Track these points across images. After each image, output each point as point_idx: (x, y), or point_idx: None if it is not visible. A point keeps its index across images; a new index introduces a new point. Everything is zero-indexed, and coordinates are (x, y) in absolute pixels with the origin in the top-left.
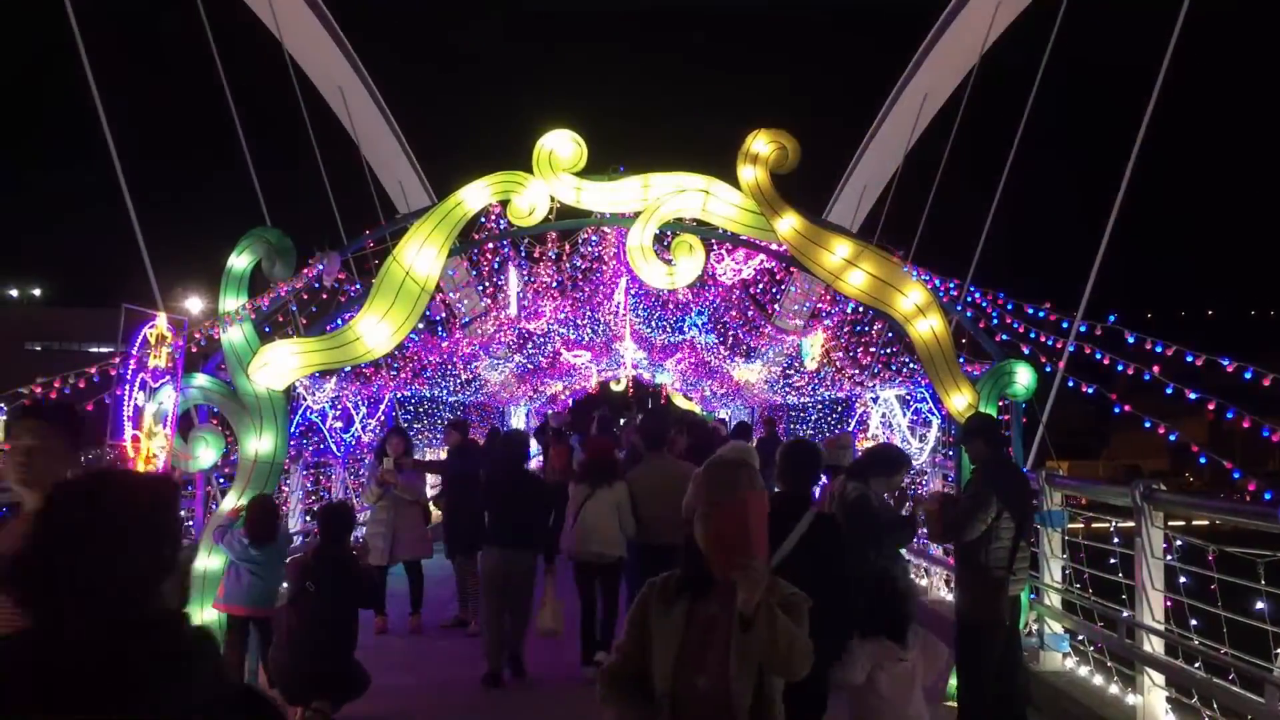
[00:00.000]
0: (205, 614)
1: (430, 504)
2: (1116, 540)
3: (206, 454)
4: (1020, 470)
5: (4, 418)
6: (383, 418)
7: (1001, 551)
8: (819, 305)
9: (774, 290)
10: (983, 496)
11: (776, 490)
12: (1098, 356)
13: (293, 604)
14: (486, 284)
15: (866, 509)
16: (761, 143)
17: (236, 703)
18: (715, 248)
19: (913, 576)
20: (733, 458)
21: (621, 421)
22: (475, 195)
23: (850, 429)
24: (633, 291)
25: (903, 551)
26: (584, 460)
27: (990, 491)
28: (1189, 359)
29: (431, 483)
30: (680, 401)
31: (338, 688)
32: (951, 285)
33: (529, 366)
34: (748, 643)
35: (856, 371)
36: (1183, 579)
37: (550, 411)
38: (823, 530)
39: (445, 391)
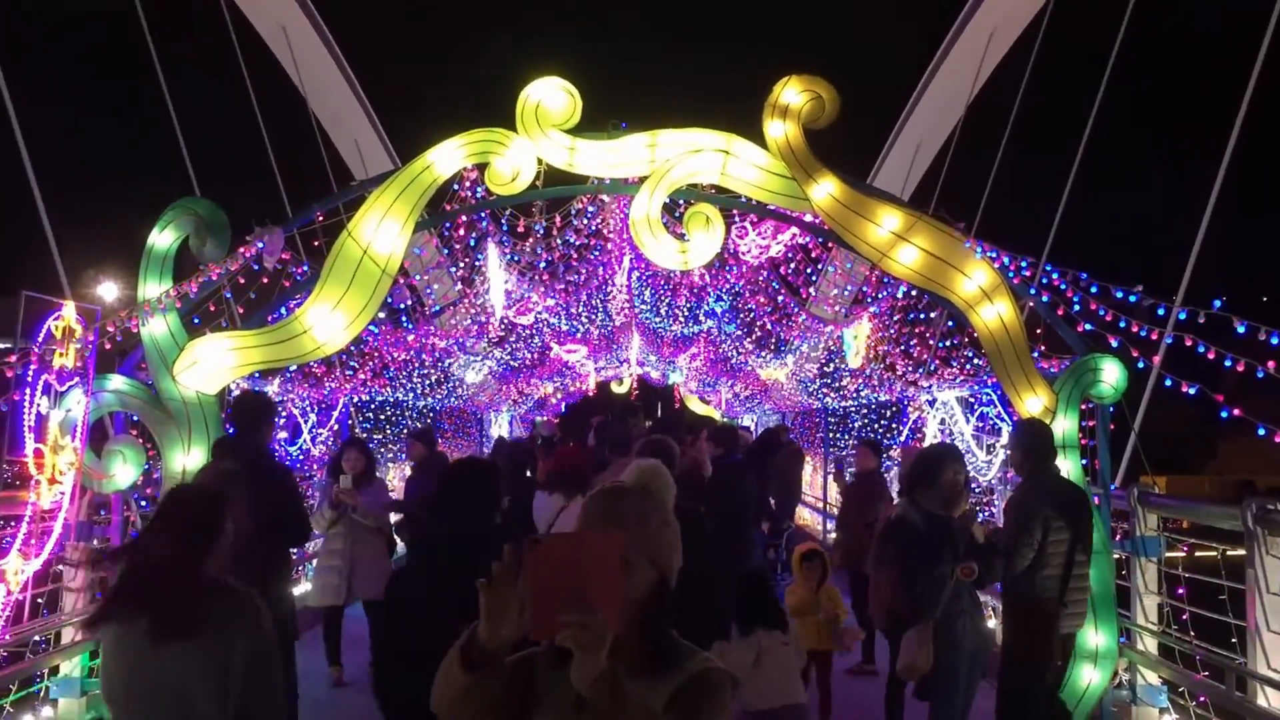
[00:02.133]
0: None
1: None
2: (1225, 573)
3: (124, 472)
4: (1070, 484)
5: None
6: (337, 427)
7: (1051, 579)
8: (863, 289)
9: (808, 271)
10: (1024, 520)
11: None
12: (1201, 350)
13: None
14: (460, 265)
15: (900, 532)
16: (793, 92)
17: None
18: (737, 220)
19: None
20: (631, 483)
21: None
22: (447, 158)
23: (902, 438)
24: (638, 273)
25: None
26: (551, 469)
27: (1033, 512)
28: None
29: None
30: (696, 406)
31: None
32: (1024, 264)
33: (512, 364)
34: None
35: (909, 369)
36: None
37: (539, 419)
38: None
39: (412, 395)
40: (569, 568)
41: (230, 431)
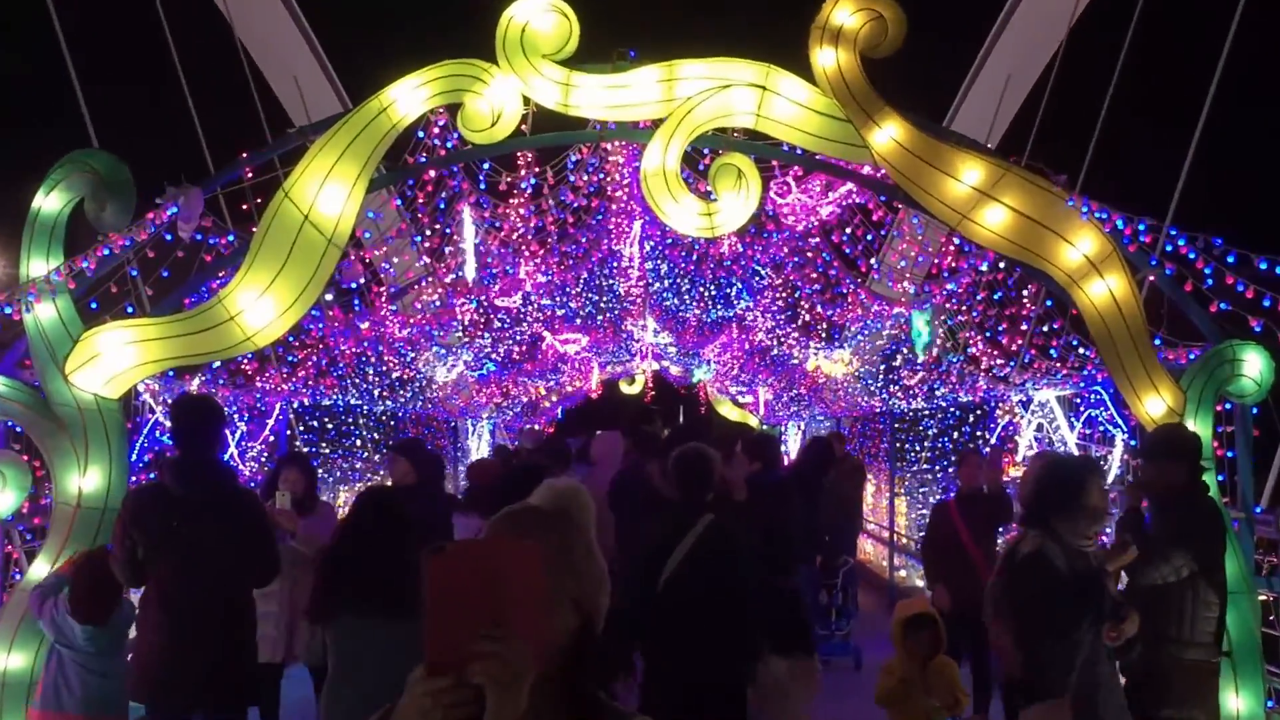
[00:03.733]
0: None
1: None
2: None
3: (3, 496)
4: (1223, 514)
5: None
6: (272, 439)
7: (1209, 624)
8: (937, 260)
9: (868, 238)
10: (1182, 536)
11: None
12: None
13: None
14: (427, 233)
15: (1036, 574)
16: (846, 12)
17: None
18: (777, 174)
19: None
20: (545, 506)
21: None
22: (410, 97)
23: (987, 445)
24: (651, 243)
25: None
26: (469, 488)
27: (1194, 535)
28: None
29: None
30: (727, 410)
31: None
32: (1142, 227)
33: (494, 358)
34: None
35: (997, 362)
36: None
37: (524, 427)
38: (713, 540)
39: (366, 398)
40: (479, 584)
41: (170, 445)
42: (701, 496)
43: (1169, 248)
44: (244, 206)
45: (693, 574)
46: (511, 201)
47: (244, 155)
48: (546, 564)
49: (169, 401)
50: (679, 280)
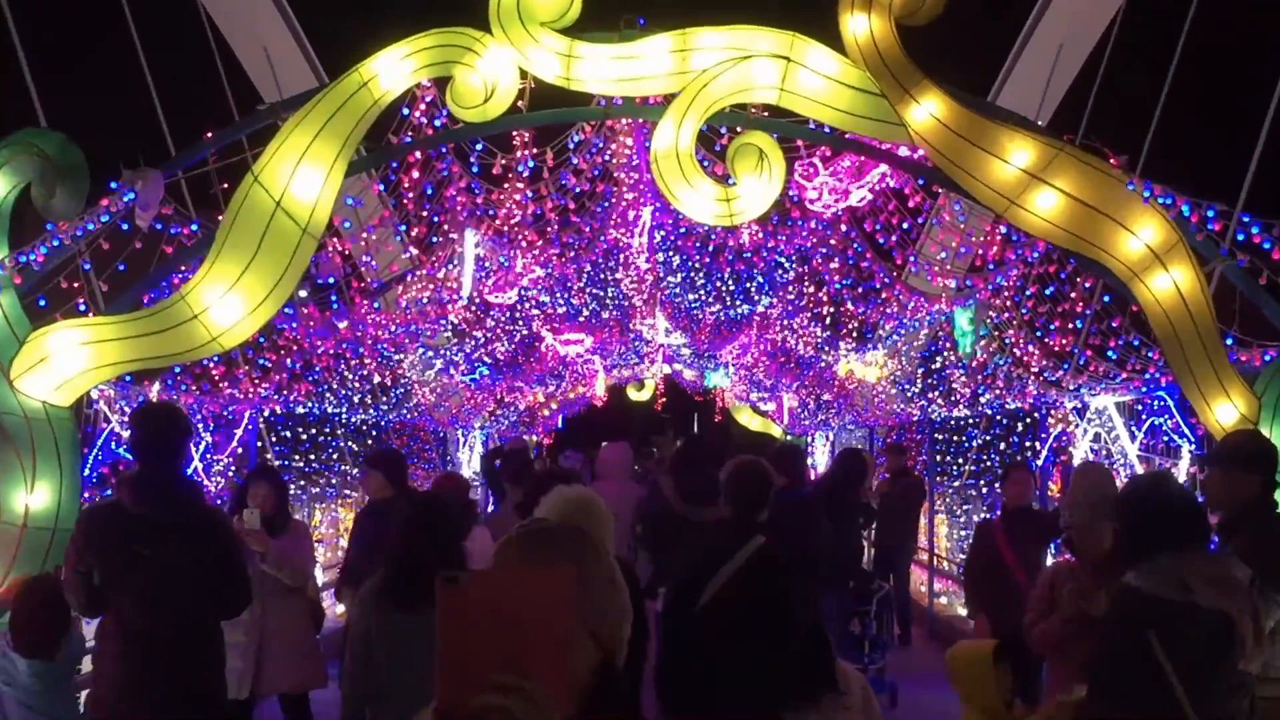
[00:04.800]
0: None
1: (320, 594)
2: None
3: None
4: None
5: None
6: (240, 450)
7: None
8: (982, 251)
9: (904, 227)
10: (1252, 560)
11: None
12: None
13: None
14: (413, 222)
15: (1135, 617)
16: None
17: None
18: (803, 154)
19: None
20: (557, 521)
21: (654, 452)
22: (394, 70)
23: (1038, 460)
24: (663, 232)
25: None
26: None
27: (1269, 558)
28: None
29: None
30: (747, 418)
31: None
32: (1211, 213)
33: (487, 360)
34: None
35: (1047, 364)
36: None
37: (510, 441)
38: (764, 566)
39: (345, 406)
40: (497, 619)
41: (128, 459)
42: (754, 516)
43: (1241, 236)
44: (210, 191)
45: (736, 601)
46: (506, 187)
47: (209, 135)
48: (571, 596)
49: (127, 410)
50: (693, 274)
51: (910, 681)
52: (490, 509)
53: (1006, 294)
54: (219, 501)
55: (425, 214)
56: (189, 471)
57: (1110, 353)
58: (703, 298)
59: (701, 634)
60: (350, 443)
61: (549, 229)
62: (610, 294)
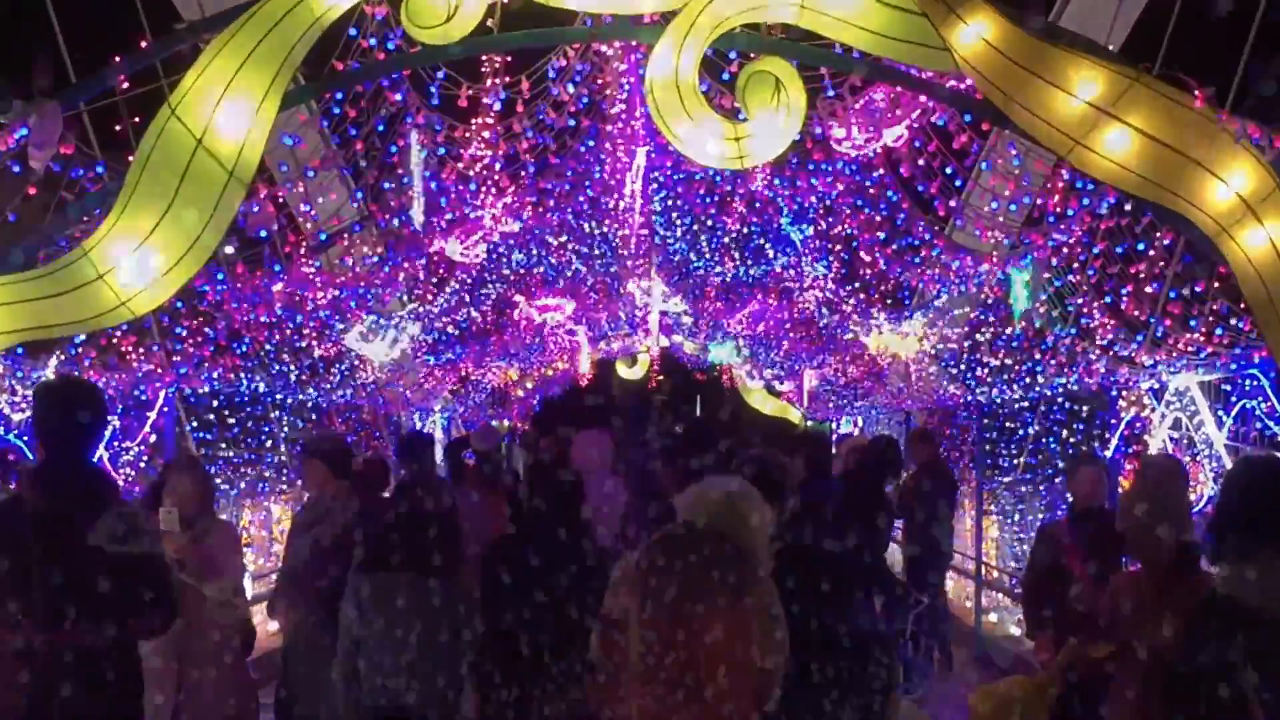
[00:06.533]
0: None
1: (250, 609)
2: None
3: None
4: None
5: None
6: (154, 437)
7: None
8: (1040, 201)
9: (949, 172)
10: None
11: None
12: None
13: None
14: (362, 164)
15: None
16: None
17: None
18: (827, 86)
19: None
20: (703, 525)
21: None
22: None
23: (1107, 451)
24: (660, 177)
25: None
26: None
27: None
28: None
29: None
30: (759, 400)
31: None
32: None
33: (451, 331)
34: None
35: (1118, 336)
36: None
37: (477, 429)
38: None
39: (280, 384)
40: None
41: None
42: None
43: None
44: (117, 128)
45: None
46: (474, 122)
47: (117, 60)
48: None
49: (19, 390)
50: (696, 229)
51: (952, 714)
52: None
53: (1069, 252)
54: (131, 498)
55: (376, 154)
56: (97, 460)
57: (1192, 322)
58: (707, 256)
59: None
60: (286, 428)
61: (524, 173)
62: (597, 251)
